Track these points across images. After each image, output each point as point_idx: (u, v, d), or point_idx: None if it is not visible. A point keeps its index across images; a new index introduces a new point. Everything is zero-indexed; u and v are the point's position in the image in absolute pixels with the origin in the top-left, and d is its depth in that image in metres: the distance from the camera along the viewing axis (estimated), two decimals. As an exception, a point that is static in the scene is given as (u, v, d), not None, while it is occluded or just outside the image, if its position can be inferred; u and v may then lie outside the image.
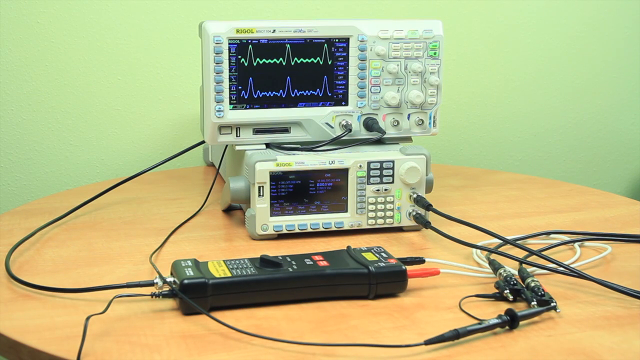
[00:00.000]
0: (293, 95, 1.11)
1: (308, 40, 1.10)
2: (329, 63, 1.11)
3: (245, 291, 0.86)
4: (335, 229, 1.10)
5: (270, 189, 1.07)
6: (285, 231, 1.08)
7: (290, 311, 0.86)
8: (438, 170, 1.41)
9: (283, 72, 1.10)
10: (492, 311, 0.85)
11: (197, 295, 0.84)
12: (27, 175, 1.46)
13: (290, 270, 0.88)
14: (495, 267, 0.94)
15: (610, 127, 1.79)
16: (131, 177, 1.24)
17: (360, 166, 1.09)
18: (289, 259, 0.91)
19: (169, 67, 1.49)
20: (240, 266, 0.88)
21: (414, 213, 1.11)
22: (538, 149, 1.76)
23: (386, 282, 0.89)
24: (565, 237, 1.10)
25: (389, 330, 0.82)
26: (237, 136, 1.10)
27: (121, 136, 1.49)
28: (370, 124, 1.13)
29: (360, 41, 1.11)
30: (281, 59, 1.10)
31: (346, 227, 1.10)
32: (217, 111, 1.08)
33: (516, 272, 0.94)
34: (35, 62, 1.42)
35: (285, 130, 1.12)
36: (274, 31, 1.08)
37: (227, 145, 1.21)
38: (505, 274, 0.91)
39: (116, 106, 1.48)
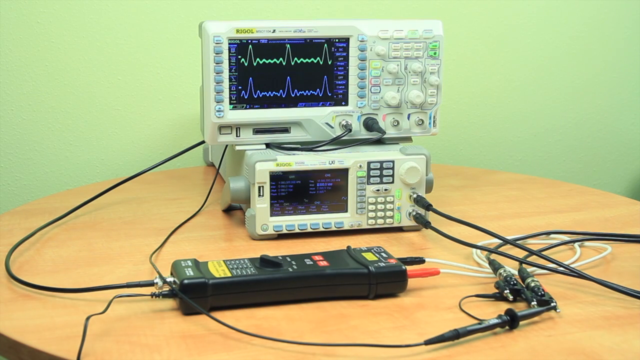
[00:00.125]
0: (293, 95, 1.11)
1: (308, 40, 1.10)
2: (329, 63, 1.11)
3: (245, 291, 0.86)
4: (335, 229, 1.10)
5: (270, 189, 1.07)
6: (285, 231, 1.08)
7: (290, 311, 0.86)
8: (438, 170, 1.41)
9: (283, 72, 1.10)
10: (492, 311, 0.85)
11: (197, 295, 0.84)
12: (27, 175, 1.46)
13: (290, 270, 0.88)
14: (495, 267, 0.94)
15: (610, 127, 1.79)
16: (131, 177, 1.24)
17: (360, 166, 1.09)
18: (289, 259, 0.91)
19: (169, 67, 1.49)
20: (240, 266, 0.88)
21: (414, 213, 1.11)
22: (538, 149, 1.76)
23: (386, 282, 0.89)
24: (565, 237, 1.10)
25: (389, 330, 0.82)
26: (237, 136, 1.10)
27: (121, 136, 1.49)
28: (370, 124, 1.13)
29: (360, 41, 1.11)
30: (281, 59, 1.10)
31: (346, 227, 1.10)
32: (217, 111, 1.08)
33: (516, 272, 0.94)
34: (35, 62, 1.42)
35: (285, 130, 1.12)
36: (274, 31, 1.08)
37: (227, 145, 1.21)
38: (505, 274, 0.91)
39: (116, 106, 1.48)
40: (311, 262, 0.90)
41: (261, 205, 1.07)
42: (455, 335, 0.78)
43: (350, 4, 1.56)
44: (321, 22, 1.10)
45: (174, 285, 0.84)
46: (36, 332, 0.80)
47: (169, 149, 1.50)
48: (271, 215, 1.07)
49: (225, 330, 0.80)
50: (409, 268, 0.91)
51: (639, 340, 0.81)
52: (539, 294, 0.87)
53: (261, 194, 1.07)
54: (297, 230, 1.09)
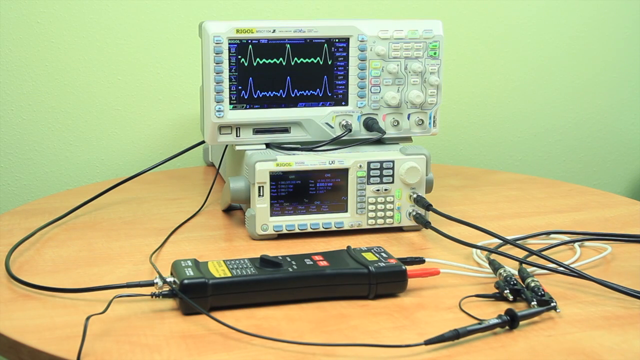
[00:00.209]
0: (293, 95, 1.11)
1: (308, 40, 1.10)
2: (329, 63, 1.11)
3: (245, 291, 0.86)
4: (335, 229, 1.10)
5: (270, 189, 1.07)
6: (285, 231, 1.08)
7: (290, 311, 0.86)
8: (438, 170, 1.41)
9: (283, 72, 1.10)
10: (492, 311, 0.85)
11: (197, 295, 0.84)
12: (27, 175, 1.46)
13: (290, 270, 0.88)
14: (495, 267, 0.94)
15: (610, 127, 1.79)
16: (131, 177, 1.24)
17: (360, 166, 1.09)
18: (289, 259, 0.91)
19: (169, 67, 1.49)
20: (240, 266, 0.88)
21: (414, 213, 1.11)
22: (538, 149, 1.76)
23: (386, 282, 0.89)
24: (565, 237, 1.10)
25: (389, 330, 0.82)
26: (237, 136, 1.10)
27: (121, 136, 1.49)
28: (370, 124, 1.13)
29: (360, 41, 1.11)
30: (281, 59, 1.10)
31: (346, 227, 1.10)
32: (217, 111, 1.08)
33: (516, 272, 0.94)
34: (35, 62, 1.42)
35: (285, 130, 1.12)
36: (274, 31, 1.08)
37: (227, 145, 1.21)
38: (505, 274, 0.91)
39: (116, 106, 1.48)
40: (311, 262, 0.90)
41: (261, 205, 1.07)
42: (455, 335, 0.78)
43: (350, 4, 1.56)
44: (321, 22, 1.10)
45: (174, 285, 0.84)
46: (36, 332, 0.80)
47: (169, 149, 1.50)
48: (271, 215, 1.08)
49: (225, 330, 0.80)
50: (409, 268, 0.91)
51: (639, 340, 0.81)
52: (539, 294, 0.87)
53: (261, 194, 1.07)
54: (297, 230, 1.09)
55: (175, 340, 0.79)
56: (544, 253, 0.98)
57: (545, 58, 1.71)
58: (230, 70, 1.08)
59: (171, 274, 0.88)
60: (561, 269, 0.94)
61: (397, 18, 1.23)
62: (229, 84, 1.08)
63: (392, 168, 1.10)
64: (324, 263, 0.90)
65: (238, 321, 0.82)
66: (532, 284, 0.88)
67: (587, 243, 1.08)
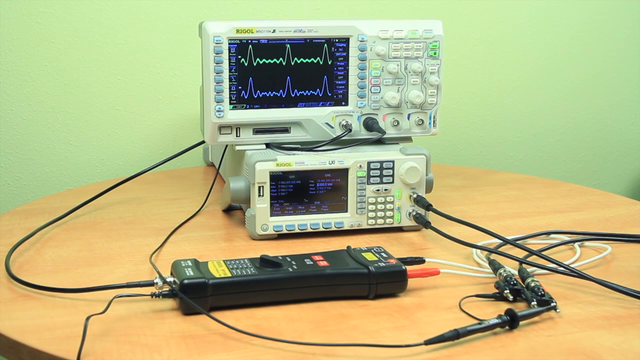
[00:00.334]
0: (293, 95, 1.11)
1: (308, 40, 1.10)
2: (329, 63, 1.11)
3: (245, 291, 0.86)
4: (335, 229, 1.10)
5: (270, 189, 1.07)
6: (285, 231, 1.08)
7: (290, 311, 0.86)
8: (438, 170, 1.41)
9: (283, 72, 1.10)
10: (492, 311, 0.85)
11: (197, 295, 0.84)
12: (27, 175, 1.46)
13: (290, 270, 0.88)
14: (495, 267, 0.94)
15: (610, 127, 1.79)
16: (131, 177, 1.24)
17: (360, 166, 1.09)
18: (289, 259, 0.91)
19: (169, 67, 1.49)
20: (240, 266, 0.88)
21: (414, 213, 1.11)
22: (538, 149, 1.76)
23: (386, 282, 0.89)
24: (565, 237, 1.10)
25: (389, 330, 0.82)
26: (237, 136, 1.10)
27: (121, 136, 1.49)
28: (370, 124, 1.13)
29: (360, 41, 1.11)
30: (281, 59, 1.10)
31: (346, 227, 1.10)
32: (217, 111, 1.08)
33: (516, 272, 0.94)
34: (35, 62, 1.42)
35: (285, 130, 1.12)
36: (274, 31, 1.08)
37: (227, 145, 1.21)
38: (505, 274, 0.91)
39: (116, 106, 1.48)
40: (311, 262, 0.90)
41: (261, 205, 1.07)
42: (455, 335, 0.78)
43: (350, 4, 1.56)
44: (321, 22, 1.10)
45: (174, 285, 0.84)
46: (36, 332, 0.80)
47: (169, 149, 1.50)
48: (271, 215, 1.08)
49: (225, 330, 0.80)
50: (409, 268, 0.91)
51: (639, 340, 0.81)
52: (539, 294, 0.87)
53: (261, 194, 1.07)
54: (297, 230, 1.09)
55: (175, 340, 0.79)
56: (544, 253, 0.98)
57: (545, 58, 1.71)
58: (230, 70, 1.08)
59: (171, 274, 0.88)
60: (561, 269, 0.94)
61: (397, 18, 1.23)
62: (229, 84, 1.08)
63: (392, 168, 1.10)
64: (324, 263, 0.90)
65: (238, 321, 0.82)
66: (532, 284, 0.88)
67: (587, 243, 1.08)
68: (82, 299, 0.87)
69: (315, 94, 1.12)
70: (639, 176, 1.85)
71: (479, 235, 1.03)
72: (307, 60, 1.11)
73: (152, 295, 0.84)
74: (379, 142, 1.15)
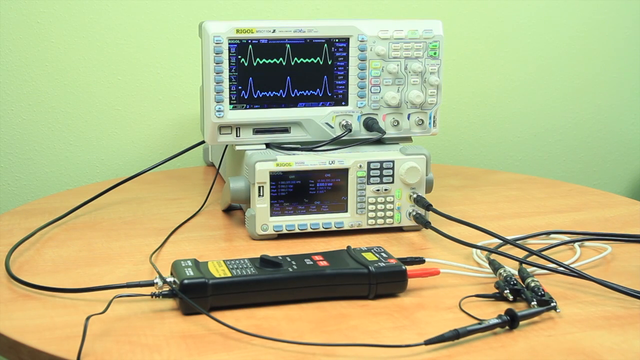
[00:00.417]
0: (293, 95, 1.11)
1: (308, 40, 1.10)
2: (329, 63, 1.11)
3: (245, 291, 0.86)
4: (335, 229, 1.10)
5: (270, 189, 1.07)
6: (285, 231, 1.08)
7: (290, 311, 0.86)
8: (438, 170, 1.41)
9: (283, 72, 1.10)
10: (492, 311, 0.85)
11: (197, 295, 0.84)
12: (27, 175, 1.46)
13: (290, 270, 0.88)
14: (495, 267, 0.94)
15: (610, 127, 1.79)
16: (131, 177, 1.24)
17: (360, 166, 1.09)
18: (289, 259, 0.91)
19: (169, 67, 1.49)
20: (240, 266, 0.88)
21: (414, 213, 1.11)
22: (538, 149, 1.76)
23: (386, 282, 0.89)
24: (565, 237, 1.10)
25: (389, 330, 0.82)
26: (237, 136, 1.10)
27: (121, 136, 1.49)
28: (370, 124, 1.13)
29: (360, 41, 1.11)
30: (281, 59, 1.10)
31: (346, 227, 1.10)
32: (217, 111, 1.08)
33: (516, 272, 0.94)
34: (35, 62, 1.42)
35: (285, 130, 1.12)
36: (274, 31, 1.08)
37: (227, 145, 1.21)
38: (505, 274, 0.91)
39: (116, 106, 1.48)
40: (311, 262, 0.90)
41: (261, 205, 1.07)
42: (455, 335, 0.78)
43: (350, 4, 1.56)
44: (321, 22, 1.10)
45: (174, 285, 0.84)
46: (36, 332, 0.80)
47: (169, 149, 1.50)
48: (271, 215, 1.08)
49: (225, 330, 0.80)
50: (409, 268, 0.91)
51: (639, 340, 0.81)
52: (539, 294, 0.87)
53: (261, 194, 1.07)
54: (297, 230, 1.09)
55: (175, 340, 0.79)
56: (544, 253, 0.98)
57: (545, 58, 1.71)
58: (230, 70, 1.08)
59: (171, 274, 0.88)
60: (561, 269, 0.94)
61: (397, 18, 1.23)
62: (229, 84, 1.08)
63: (392, 168, 1.10)
64: (324, 263, 0.90)
65: (238, 321, 0.82)
66: (532, 284, 0.88)
67: (587, 243, 1.08)
68: (82, 299, 0.87)
69: (315, 94, 1.12)
70: (639, 176, 1.85)
71: (479, 235, 1.03)
72: (307, 60, 1.11)
73: (152, 295, 0.84)
74: (379, 142, 1.15)
